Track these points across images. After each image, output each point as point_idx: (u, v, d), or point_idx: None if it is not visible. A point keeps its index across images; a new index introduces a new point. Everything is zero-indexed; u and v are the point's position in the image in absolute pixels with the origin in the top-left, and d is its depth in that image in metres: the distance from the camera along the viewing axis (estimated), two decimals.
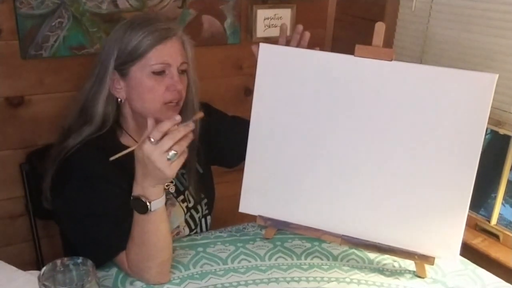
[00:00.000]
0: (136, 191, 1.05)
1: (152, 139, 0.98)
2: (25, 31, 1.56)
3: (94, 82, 1.23)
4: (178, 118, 1.01)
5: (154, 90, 1.20)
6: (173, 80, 1.20)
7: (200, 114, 1.08)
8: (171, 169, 1.00)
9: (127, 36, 1.19)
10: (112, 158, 1.01)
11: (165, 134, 0.99)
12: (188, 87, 1.28)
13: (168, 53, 1.19)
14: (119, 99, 1.24)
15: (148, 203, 1.04)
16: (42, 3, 1.56)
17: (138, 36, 1.18)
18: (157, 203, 1.05)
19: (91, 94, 1.23)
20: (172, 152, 0.99)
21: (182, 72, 1.24)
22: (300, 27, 1.31)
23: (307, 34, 1.30)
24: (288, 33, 1.34)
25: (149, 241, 1.08)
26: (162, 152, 0.98)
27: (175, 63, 1.20)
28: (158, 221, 1.08)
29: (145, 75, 1.19)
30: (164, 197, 1.07)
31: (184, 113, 1.28)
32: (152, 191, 1.04)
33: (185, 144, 1.01)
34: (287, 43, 1.30)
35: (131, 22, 1.22)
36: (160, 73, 1.20)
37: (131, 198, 1.06)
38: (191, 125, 1.02)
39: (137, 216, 1.07)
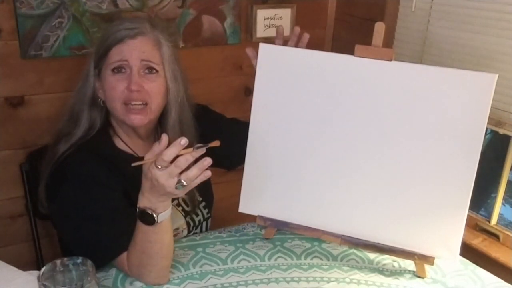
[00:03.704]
0: (142, 203, 1.03)
1: (159, 167, 0.96)
2: (25, 31, 1.56)
3: (81, 84, 1.25)
4: (183, 142, 0.96)
5: (114, 89, 1.19)
6: (129, 80, 1.18)
7: (216, 143, 1.02)
8: (181, 192, 1.00)
9: (101, 37, 1.24)
10: (134, 164, 0.99)
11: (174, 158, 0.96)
12: (166, 90, 1.24)
13: (127, 52, 1.18)
14: (100, 100, 1.24)
15: (155, 216, 1.03)
16: (42, 3, 1.56)
17: (106, 36, 1.21)
18: (164, 215, 1.04)
19: (78, 96, 1.24)
20: (179, 184, 0.97)
21: (150, 72, 1.21)
22: (297, 29, 1.30)
23: (306, 36, 1.30)
24: (288, 33, 1.34)
25: (152, 249, 1.08)
26: (171, 177, 0.96)
27: (134, 61, 1.18)
28: (163, 231, 1.07)
29: (107, 73, 1.20)
30: (170, 208, 1.06)
31: (163, 117, 1.27)
32: (160, 204, 1.03)
33: (196, 172, 0.97)
34: (285, 44, 1.30)
35: (109, 25, 1.25)
36: (119, 71, 1.19)
37: (137, 209, 1.04)
38: (201, 151, 0.98)
39: (141, 226, 1.06)
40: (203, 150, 0.98)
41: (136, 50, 1.19)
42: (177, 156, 0.96)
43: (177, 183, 0.97)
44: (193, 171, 0.97)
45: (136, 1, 1.70)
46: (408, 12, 1.82)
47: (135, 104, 1.19)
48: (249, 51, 1.31)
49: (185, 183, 0.97)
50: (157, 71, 1.22)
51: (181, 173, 0.97)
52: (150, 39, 1.21)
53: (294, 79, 1.23)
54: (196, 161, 0.99)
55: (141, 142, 1.30)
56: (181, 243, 1.29)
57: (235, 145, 1.32)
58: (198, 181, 1.00)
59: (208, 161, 0.97)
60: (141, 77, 1.19)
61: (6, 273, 1.07)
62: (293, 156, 1.26)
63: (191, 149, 0.98)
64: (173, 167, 0.96)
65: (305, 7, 2.02)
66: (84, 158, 1.18)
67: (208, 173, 0.99)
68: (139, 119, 1.20)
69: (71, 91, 1.29)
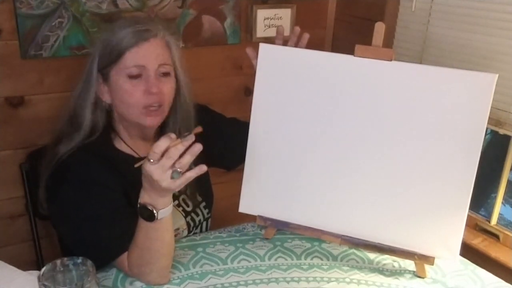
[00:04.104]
0: (143, 199, 1.04)
1: (151, 160, 0.97)
2: (25, 31, 1.56)
3: (82, 87, 1.23)
4: (173, 135, 0.98)
5: (131, 94, 1.18)
6: (148, 83, 1.17)
7: (198, 129, 1.03)
8: (176, 185, 1.00)
9: (107, 39, 1.20)
10: (137, 165, 1.00)
11: (165, 151, 0.97)
12: (178, 89, 1.26)
13: (143, 56, 1.17)
14: (104, 104, 1.23)
15: (155, 212, 1.03)
16: (42, 3, 1.56)
17: (116, 39, 1.18)
18: (164, 212, 1.05)
19: (80, 99, 1.23)
20: (175, 172, 0.97)
21: (164, 74, 1.21)
22: (297, 29, 1.30)
23: (306, 36, 1.30)
24: (288, 33, 1.34)
25: (153, 247, 1.08)
26: (164, 171, 0.97)
27: (151, 66, 1.18)
28: (163, 228, 1.07)
29: (122, 78, 1.18)
30: (171, 206, 1.07)
31: (173, 116, 1.27)
32: (160, 201, 1.03)
33: (189, 158, 0.98)
34: (285, 44, 1.30)
35: (113, 26, 1.22)
36: (136, 76, 1.18)
37: (138, 205, 1.05)
38: (190, 139, 0.99)
39: (142, 223, 1.06)
40: (192, 138, 0.99)
41: (152, 54, 1.18)
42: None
43: (172, 173, 0.98)
44: (186, 157, 0.98)
45: (136, 1, 1.70)
46: (408, 12, 1.82)
47: (153, 106, 1.19)
48: (249, 51, 1.31)
49: (180, 170, 0.98)
50: (169, 72, 1.22)
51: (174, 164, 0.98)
52: (161, 40, 1.21)
53: (294, 79, 1.23)
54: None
55: (143, 143, 1.30)
56: (181, 243, 1.29)
57: (235, 145, 1.32)
58: (194, 175, 1.00)
59: (198, 147, 0.98)
60: (157, 79, 1.19)
61: (6, 273, 1.07)
62: (293, 156, 1.26)
63: (179, 140, 0.99)
64: (165, 159, 0.97)
65: (305, 7, 2.02)
66: (84, 159, 1.18)
67: (204, 168, 1.00)
68: (156, 120, 1.22)
69: (71, 91, 1.29)
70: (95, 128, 1.23)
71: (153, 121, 1.21)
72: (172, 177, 0.98)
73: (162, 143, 0.97)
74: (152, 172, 0.97)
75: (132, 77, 1.18)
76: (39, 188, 1.23)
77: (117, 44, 1.17)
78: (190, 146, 0.99)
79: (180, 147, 0.98)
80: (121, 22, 1.23)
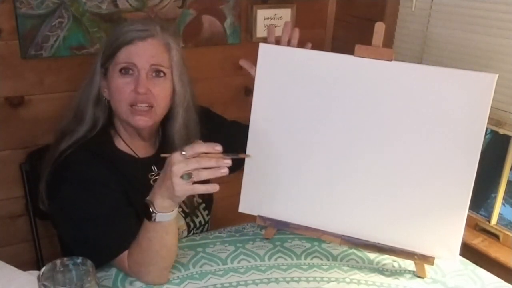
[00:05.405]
0: (151, 195, 1.04)
1: (183, 152, 0.96)
2: (25, 31, 1.56)
3: (87, 81, 1.25)
4: (218, 148, 0.97)
5: (121, 91, 1.19)
6: (137, 83, 1.17)
7: (244, 155, 1.04)
8: (181, 188, 0.98)
9: (111, 35, 1.23)
10: (163, 155, 1.01)
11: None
12: (173, 93, 1.25)
13: (135, 54, 1.17)
14: (105, 99, 1.24)
15: (154, 213, 1.03)
16: (42, 3, 1.56)
17: (116, 36, 1.20)
18: (162, 216, 1.04)
19: (84, 93, 1.24)
20: (187, 175, 0.96)
21: (158, 76, 1.20)
22: (288, 25, 1.27)
23: (296, 31, 1.26)
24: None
25: (152, 247, 1.08)
26: (184, 167, 0.96)
27: (142, 65, 1.17)
28: (164, 231, 1.07)
29: (115, 74, 1.19)
30: (173, 213, 1.05)
31: (167, 120, 1.27)
32: (160, 202, 1.03)
33: (207, 175, 0.98)
34: (277, 42, 1.29)
35: (121, 24, 1.24)
36: (127, 73, 1.18)
37: (145, 199, 1.05)
38: (227, 163, 0.98)
39: (144, 221, 1.07)
40: (229, 163, 0.99)
41: (145, 54, 1.18)
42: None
43: (185, 173, 0.97)
44: (206, 172, 0.98)
45: (136, 1, 1.70)
46: (408, 12, 1.82)
47: (140, 106, 1.19)
48: (242, 62, 1.30)
49: (193, 177, 0.97)
50: (165, 74, 1.22)
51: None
52: (160, 42, 1.21)
53: (294, 79, 1.23)
54: None
55: (142, 143, 1.30)
56: (181, 243, 1.29)
57: (236, 147, 1.31)
58: (203, 190, 1.00)
59: (224, 171, 0.98)
60: (149, 80, 1.19)
61: (6, 273, 1.07)
62: (293, 156, 1.26)
63: (220, 155, 0.98)
64: (194, 161, 0.96)
65: (305, 7, 2.02)
66: (84, 158, 1.18)
67: (216, 187, 1.00)
68: (144, 121, 1.20)
69: (71, 91, 1.29)
70: (96, 123, 1.24)
71: (140, 121, 1.20)
72: (181, 177, 0.97)
73: (203, 148, 0.97)
74: (175, 162, 0.96)
75: (123, 72, 1.18)
76: (40, 184, 1.23)
77: (115, 40, 1.19)
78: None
79: (213, 163, 0.97)
80: (126, 22, 1.26)
